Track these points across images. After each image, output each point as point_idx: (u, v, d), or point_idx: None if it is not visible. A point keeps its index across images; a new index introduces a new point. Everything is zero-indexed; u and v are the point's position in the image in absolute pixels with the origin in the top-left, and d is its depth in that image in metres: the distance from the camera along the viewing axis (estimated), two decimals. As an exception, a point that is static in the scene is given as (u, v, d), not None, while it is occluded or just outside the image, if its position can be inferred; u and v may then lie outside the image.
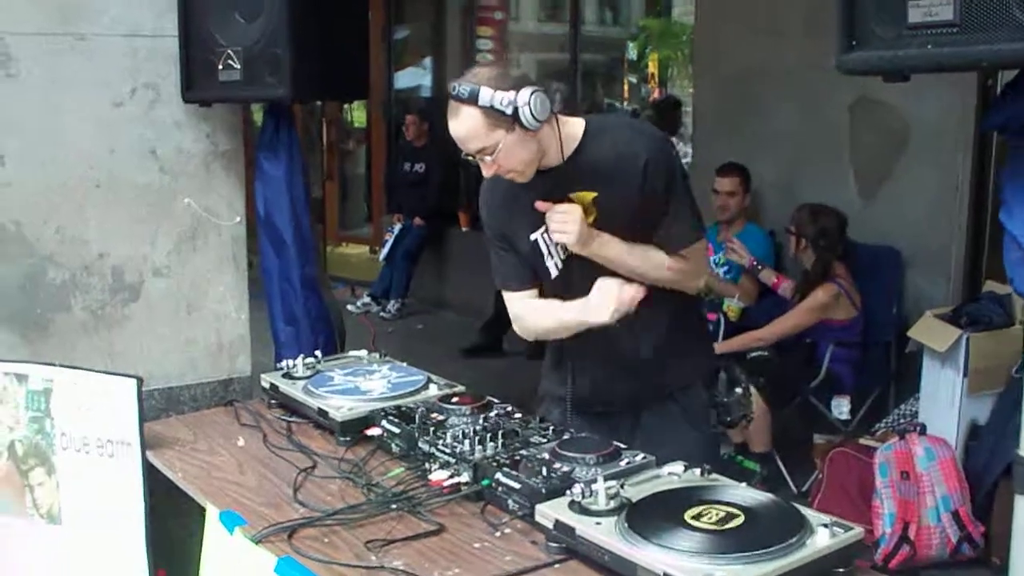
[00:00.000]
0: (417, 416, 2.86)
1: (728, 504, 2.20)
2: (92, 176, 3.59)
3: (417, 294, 9.71)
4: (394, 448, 2.83)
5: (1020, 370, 4.53)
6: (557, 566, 2.21)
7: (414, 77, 11.79)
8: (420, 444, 2.73)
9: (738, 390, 2.97)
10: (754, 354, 5.35)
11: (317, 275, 3.95)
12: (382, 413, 2.94)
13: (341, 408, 3.02)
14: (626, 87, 14.23)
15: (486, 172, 2.76)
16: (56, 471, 3.09)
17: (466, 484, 2.54)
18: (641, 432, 2.94)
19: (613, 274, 2.78)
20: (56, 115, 3.51)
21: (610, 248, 2.80)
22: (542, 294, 3.02)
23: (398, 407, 2.98)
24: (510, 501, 2.44)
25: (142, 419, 2.94)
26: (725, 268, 6.01)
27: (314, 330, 3.89)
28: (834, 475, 4.77)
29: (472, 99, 2.61)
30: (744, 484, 2.36)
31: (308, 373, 3.33)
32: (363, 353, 3.59)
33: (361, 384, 3.22)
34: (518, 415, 2.88)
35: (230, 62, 3.46)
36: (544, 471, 2.44)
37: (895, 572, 4.31)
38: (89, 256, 3.63)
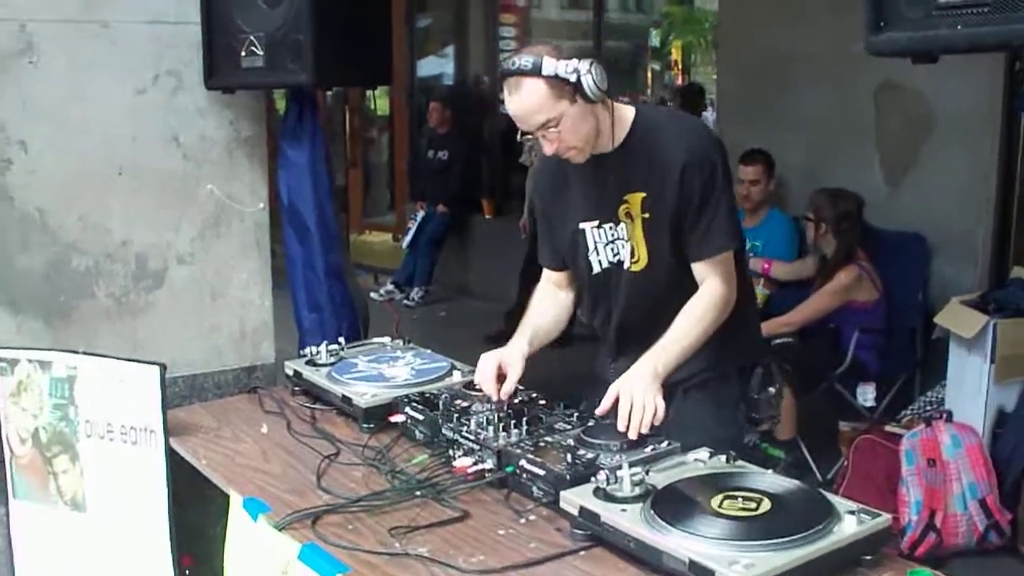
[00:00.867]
0: (441, 403, 2.85)
1: (754, 491, 2.18)
2: (115, 163, 3.61)
3: (440, 281, 9.71)
4: (418, 435, 2.83)
5: (1048, 357, 4.50)
6: (582, 553, 2.20)
7: (437, 64, 11.78)
8: (444, 431, 2.72)
9: (771, 389, 2.90)
10: (779, 340, 5.32)
11: (341, 262, 3.94)
12: (406, 400, 2.93)
13: (365, 395, 3.01)
14: (649, 74, 14.22)
15: (547, 149, 2.71)
16: (80, 458, 3.10)
17: (490, 471, 2.53)
18: (671, 418, 2.81)
19: (651, 293, 2.83)
20: (79, 102, 3.52)
21: (668, 359, 2.72)
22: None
23: (422, 394, 2.96)
24: (534, 488, 2.43)
25: (165, 406, 2.94)
26: (749, 255, 5.96)
27: (338, 317, 3.89)
28: (860, 462, 4.73)
29: (536, 70, 2.57)
30: (770, 471, 2.34)
31: (332, 360, 3.33)
32: (387, 340, 3.58)
33: (385, 371, 3.21)
34: (542, 401, 2.87)
35: (252, 48, 3.46)
36: (569, 458, 2.43)
37: (921, 560, 4.27)
38: (112, 243, 3.64)
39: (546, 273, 3.16)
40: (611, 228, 2.85)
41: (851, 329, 5.27)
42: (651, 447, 2.49)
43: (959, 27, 2.01)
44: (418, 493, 2.49)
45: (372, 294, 9.44)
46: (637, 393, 2.60)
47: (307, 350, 3.42)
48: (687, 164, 2.68)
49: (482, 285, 9.53)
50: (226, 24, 3.53)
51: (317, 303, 3.87)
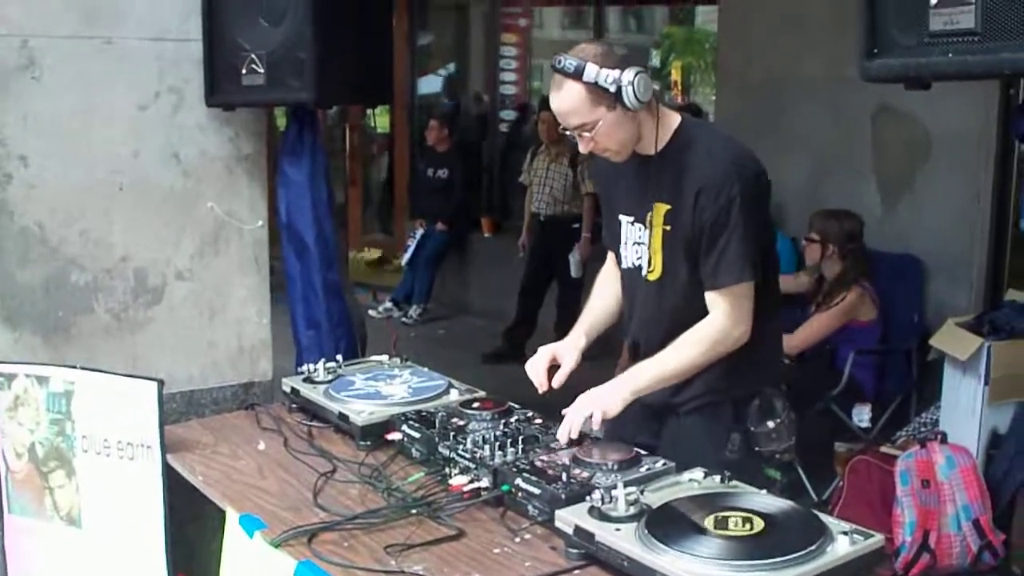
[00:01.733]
0: (437, 421, 2.86)
1: (748, 511, 2.20)
2: (116, 179, 3.62)
3: (439, 299, 9.71)
4: (414, 453, 2.84)
5: (1042, 379, 4.51)
6: (577, 572, 2.22)
7: (437, 83, 11.80)
8: (440, 449, 2.73)
9: (770, 423, 2.82)
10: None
11: (339, 280, 3.95)
12: (403, 418, 2.94)
13: (362, 412, 3.02)
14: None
15: (583, 148, 2.76)
16: (76, 474, 3.09)
17: (486, 489, 2.54)
18: (666, 438, 2.91)
19: (662, 305, 2.85)
20: (81, 118, 3.53)
21: (638, 383, 2.77)
22: None
23: (419, 412, 2.98)
24: (530, 507, 2.44)
25: (163, 422, 2.94)
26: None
27: (336, 334, 3.89)
28: (855, 483, 4.74)
29: (577, 74, 2.61)
30: (764, 491, 2.35)
31: (329, 377, 3.34)
32: (384, 358, 3.59)
33: (382, 389, 3.22)
34: (538, 421, 2.89)
35: (254, 66, 3.47)
36: (564, 477, 2.44)
37: (915, 581, 4.30)
38: (112, 259, 3.65)
39: (609, 257, 3.15)
40: (640, 230, 2.87)
41: (848, 349, 5.27)
42: (646, 467, 2.51)
43: (950, 54, 2.04)
44: (414, 511, 2.50)
45: (371, 311, 9.45)
46: (587, 403, 2.71)
47: (305, 367, 3.43)
48: (703, 189, 2.68)
49: (481, 303, 9.54)
50: (228, 41, 3.54)
51: (315, 320, 3.87)
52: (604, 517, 2.22)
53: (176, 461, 2.99)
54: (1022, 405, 4.58)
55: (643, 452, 2.59)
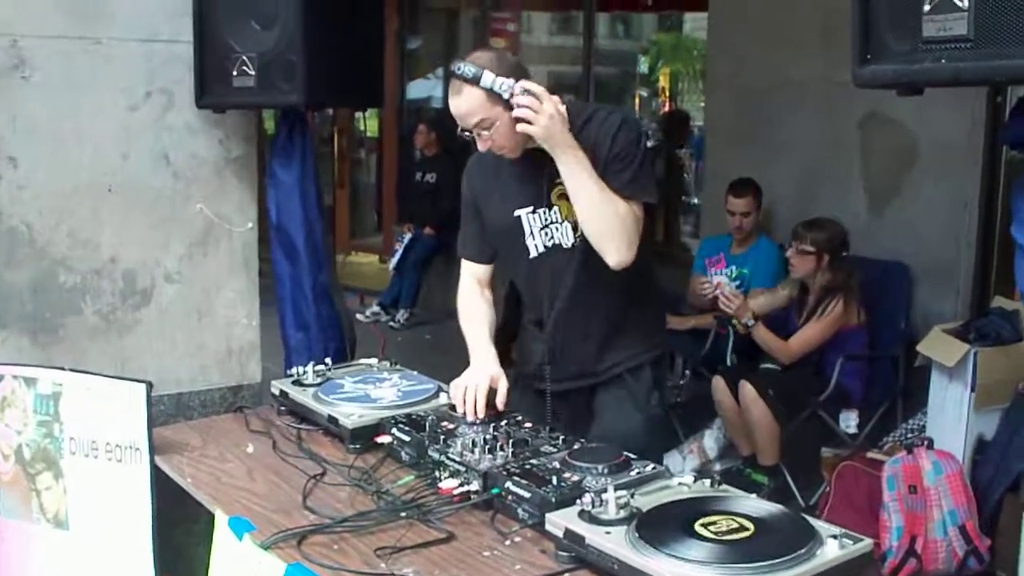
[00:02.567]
0: (427, 424, 2.86)
1: (738, 515, 2.20)
2: (105, 180, 3.61)
3: (426, 304, 9.69)
4: (404, 456, 2.84)
5: (1028, 386, 4.51)
6: (567, 575, 2.21)
7: (426, 87, 11.80)
8: (430, 452, 2.73)
9: (681, 381, 3.09)
10: (765, 366, 5.34)
11: (329, 282, 3.95)
12: (392, 421, 2.94)
13: (351, 415, 3.01)
14: (637, 101, 14.26)
15: (481, 146, 2.96)
16: (64, 476, 3.08)
17: (476, 493, 2.54)
18: (595, 410, 3.12)
19: (590, 268, 2.96)
20: (70, 119, 3.53)
21: (574, 157, 2.85)
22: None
23: (408, 415, 2.97)
24: (520, 510, 2.44)
25: (151, 424, 2.94)
26: (737, 283, 5.99)
27: (325, 337, 3.89)
28: (842, 488, 4.75)
29: (475, 80, 2.80)
30: (754, 495, 2.36)
31: (318, 380, 3.33)
32: (373, 361, 3.59)
33: (371, 392, 3.22)
34: (528, 424, 2.89)
35: (244, 68, 3.47)
36: (554, 480, 2.44)
37: (902, 586, 4.30)
38: (100, 260, 3.64)
39: (469, 270, 3.38)
40: (544, 212, 3.03)
41: (835, 355, 5.28)
42: (636, 470, 2.51)
43: (943, 61, 2.05)
44: (404, 514, 2.49)
45: (358, 315, 9.43)
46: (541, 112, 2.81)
47: (293, 370, 3.42)
48: (620, 128, 2.92)
49: (467, 308, 9.49)
50: (218, 44, 3.54)
51: (304, 322, 3.87)
52: (594, 520, 2.22)
53: (164, 463, 2.98)
54: (1007, 412, 4.59)
55: (633, 456, 2.59)
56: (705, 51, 8.36)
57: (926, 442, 4.45)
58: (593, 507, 2.23)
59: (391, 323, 9.44)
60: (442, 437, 2.78)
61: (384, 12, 4.03)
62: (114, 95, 3.59)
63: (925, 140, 5.68)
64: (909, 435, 4.96)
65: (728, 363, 5.54)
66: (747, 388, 5.13)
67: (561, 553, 2.25)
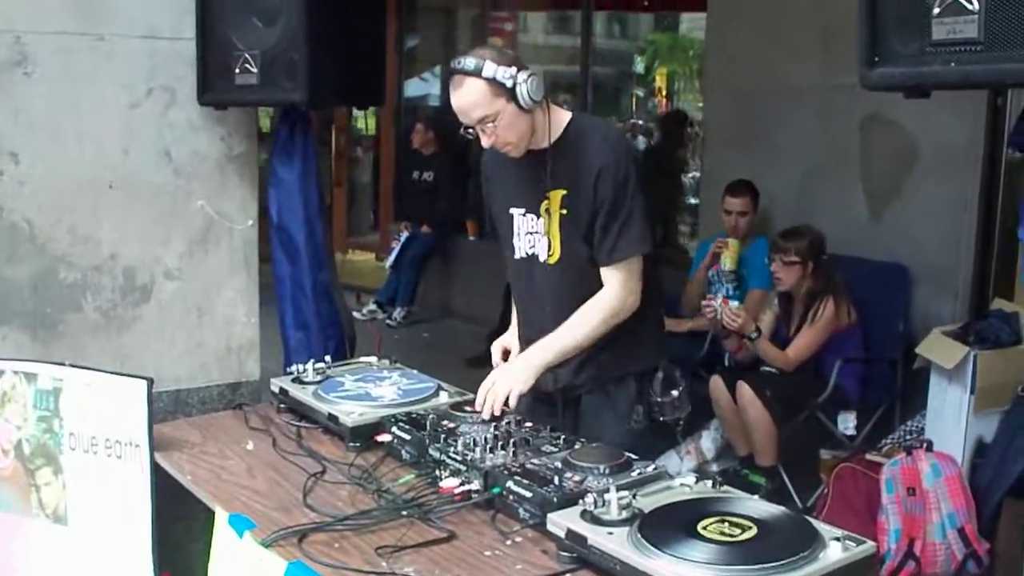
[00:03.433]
0: (428, 423, 2.86)
1: (740, 516, 2.20)
2: (106, 176, 3.61)
3: (423, 302, 9.70)
4: (404, 455, 2.83)
5: (1027, 388, 4.51)
6: (568, 575, 2.21)
7: (424, 86, 11.80)
8: (431, 451, 2.72)
9: (674, 392, 3.04)
10: (764, 368, 5.34)
11: (330, 280, 3.94)
12: (392, 419, 2.93)
13: (352, 414, 3.00)
14: (634, 100, 14.25)
15: (485, 142, 2.94)
16: (63, 471, 3.07)
17: (477, 492, 2.54)
18: (579, 418, 3.13)
19: (563, 287, 3.04)
20: (72, 115, 3.52)
21: (546, 355, 3.01)
22: None
23: (408, 414, 2.97)
24: (521, 510, 2.43)
25: (151, 421, 2.93)
26: (734, 284, 5.99)
27: (325, 335, 3.89)
28: (840, 490, 4.75)
29: (477, 71, 2.82)
30: (756, 496, 2.36)
31: (318, 378, 3.32)
32: (373, 359, 3.58)
33: (371, 390, 3.21)
34: (529, 424, 2.88)
35: (247, 66, 3.46)
36: (556, 480, 2.44)
37: (900, 588, 4.30)
38: (101, 257, 3.64)
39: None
40: (532, 220, 3.07)
41: (833, 358, 5.28)
42: (638, 471, 2.50)
43: (952, 64, 2.05)
44: (405, 513, 2.49)
45: (355, 313, 9.39)
46: (502, 381, 2.94)
47: (293, 368, 3.41)
48: (603, 168, 2.90)
49: (465, 307, 9.52)
50: (221, 41, 3.53)
51: (304, 321, 3.86)
52: (596, 521, 2.21)
53: (164, 460, 2.98)
54: (1007, 414, 4.59)
55: (634, 457, 2.59)
56: (703, 51, 8.36)
57: (925, 444, 4.45)
58: (595, 507, 2.23)
59: (388, 321, 9.43)
60: (443, 436, 2.77)
61: (386, 10, 4.02)
62: (116, 91, 3.59)
63: (925, 143, 5.68)
64: (908, 437, 4.96)
65: (726, 364, 5.55)
66: (744, 389, 5.13)
67: (563, 553, 2.24)
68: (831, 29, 5.57)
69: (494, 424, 2.85)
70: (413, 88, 11.68)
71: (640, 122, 12.86)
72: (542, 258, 3.07)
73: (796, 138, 6.28)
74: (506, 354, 3.23)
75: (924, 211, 5.72)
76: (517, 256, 3.15)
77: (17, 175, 3.46)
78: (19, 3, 3.40)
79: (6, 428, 3.15)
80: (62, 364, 3.10)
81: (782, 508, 2.27)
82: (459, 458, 2.64)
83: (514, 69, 2.83)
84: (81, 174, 3.56)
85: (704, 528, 2.14)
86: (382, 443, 2.90)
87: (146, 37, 3.60)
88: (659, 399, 3.02)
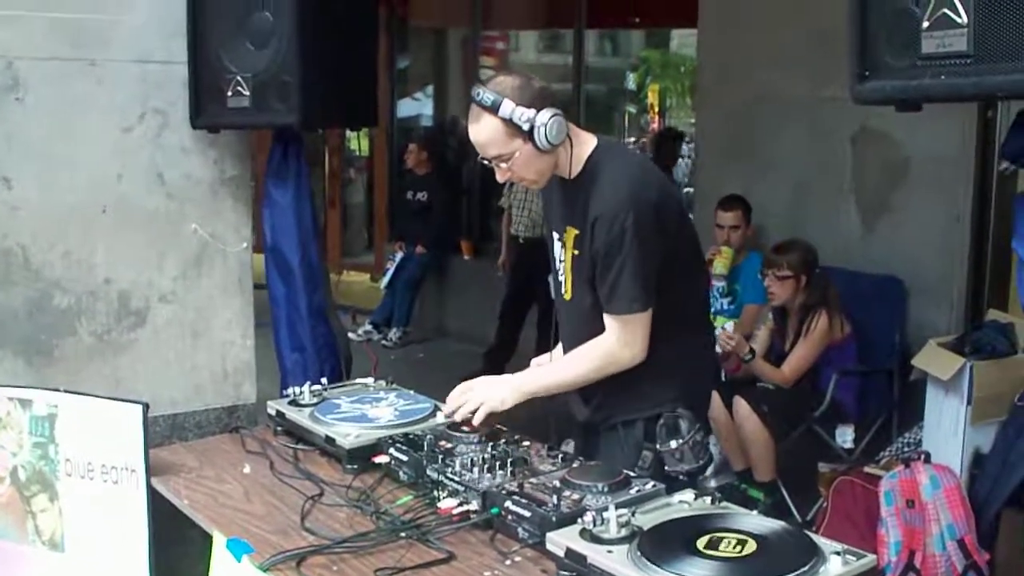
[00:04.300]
0: (425, 444, 2.85)
1: (740, 532, 2.19)
2: (100, 201, 3.60)
3: (418, 322, 9.69)
4: (402, 476, 2.82)
5: (1024, 398, 4.51)
6: (568, 594, 2.20)
7: (416, 106, 11.82)
8: (428, 472, 2.71)
9: (673, 443, 2.85)
10: (760, 383, 5.34)
11: (324, 302, 3.94)
12: (389, 441, 2.92)
13: (349, 435, 3.00)
14: (626, 118, 14.30)
15: (500, 177, 2.86)
16: (59, 497, 3.06)
17: (475, 512, 2.53)
18: (598, 455, 3.00)
19: (576, 325, 2.97)
20: (65, 139, 3.52)
21: (531, 386, 2.97)
22: None
23: (406, 435, 2.96)
24: (520, 529, 2.43)
25: (147, 445, 2.92)
26: (729, 299, 6.00)
27: (320, 357, 3.88)
28: (839, 504, 4.74)
29: (494, 108, 2.70)
30: (754, 512, 2.35)
31: (315, 400, 3.31)
32: (369, 380, 3.57)
33: (368, 411, 3.20)
34: (526, 443, 2.88)
35: (239, 88, 3.46)
36: (554, 499, 2.43)
37: (901, 601, 4.29)
38: (95, 281, 3.63)
39: None
40: (560, 248, 3.00)
41: (829, 371, 5.28)
42: (636, 488, 2.50)
43: (942, 77, 2.05)
44: (403, 534, 2.48)
45: (350, 334, 9.40)
46: (479, 392, 2.92)
47: (290, 390, 3.40)
48: (598, 218, 2.78)
49: (460, 326, 9.51)
50: (213, 64, 3.53)
51: (300, 343, 3.86)
52: (596, 539, 2.21)
53: (161, 485, 2.97)
54: (1004, 425, 4.59)
55: (632, 474, 2.58)
56: (694, 67, 8.37)
57: (923, 456, 4.44)
58: (594, 526, 2.23)
59: (384, 341, 9.43)
60: (440, 456, 2.77)
61: (378, 32, 4.03)
62: (108, 116, 3.58)
63: (917, 155, 5.70)
64: (905, 449, 4.96)
65: (723, 379, 5.55)
66: (741, 404, 5.13)
67: (562, 572, 2.23)
68: (822, 42, 5.57)
69: (491, 444, 2.84)
70: (406, 108, 11.70)
71: (632, 140, 12.89)
72: (562, 291, 3.02)
73: (788, 152, 6.30)
74: None
75: (917, 223, 5.73)
76: (557, 279, 3.08)
77: (10, 200, 3.45)
78: (11, 28, 3.40)
79: (1, 455, 3.14)
80: (57, 390, 3.10)
81: (781, 523, 2.26)
82: (456, 479, 2.64)
83: (533, 112, 2.70)
84: (74, 199, 3.56)
85: (704, 545, 2.14)
86: (379, 464, 2.89)
87: (138, 61, 3.59)
88: (660, 448, 2.86)
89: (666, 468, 2.86)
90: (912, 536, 4.29)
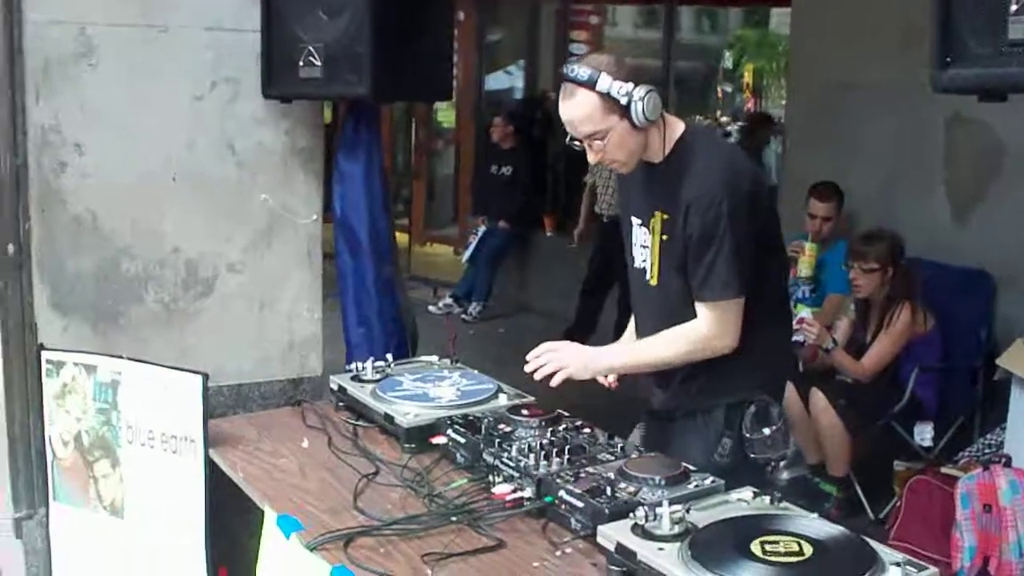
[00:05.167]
0: (483, 427, 2.81)
1: (797, 535, 2.12)
2: (170, 169, 3.58)
3: (499, 297, 9.67)
4: (459, 458, 2.79)
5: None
6: (617, 591, 2.15)
7: (506, 79, 11.78)
8: (485, 456, 2.68)
9: (766, 431, 2.81)
10: (838, 376, 5.23)
11: (392, 277, 3.91)
12: (448, 421, 2.90)
13: (408, 414, 2.97)
14: (720, 96, 14.16)
15: (592, 158, 2.80)
16: (120, 464, 3.09)
17: (529, 500, 2.49)
18: (658, 442, 2.96)
19: (660, 311, 2.91)
20: (136, 107, 3.51)
21: (617, 360, 2.95)
22: None
23: (465, 416, 2.93)
24: (573, 520, 2.38)
25: (207, 416, 2.93)
26: (811, 287, 5.88)
27: (386, 332, 3.85)
28: (914, 503, 4.63)
29: (591, 83, 2.65)
30: (815, 515, 2.26)
31: (377, 376, 3.30)
32: (434, 358, 3.55)
33: (430, 390, 3.18)
34: (587, 430, 2.83)
35: (311, 59, 3.42)
36: (609, 491, 2.37)
37: (974, 607, 4.18)
38: (164, 250, 3.63)
39: None
40: (645, 234, 2.91)
41: (910, 364, 5.17)
42: (695, 483, 2.43)
43: (1029, 65, 1.94)
44: (454, 519, 2.45)
45: (431, 307, 9.45)
46: (563, 355, 2.88)
47: (353, 365, 3.39)
48: (692, 203, 2.72)
49: (541, 302, 9.47)
50: (285, 33, 3.49)
51: (366, 317, 3.83)
52: (647, 535, 2.15)
53: (218, 456, 2.99)
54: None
55: (692, 468, 2.51)
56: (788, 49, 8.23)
57: (1004, 459, 4.32)
58: (647, 521, 2.17)
59: (464, 315, 9.43)
60: (497, 440, 2.73)
61: (454, 3, 3.97)
62: (180, 84, 3.56)
63: (1012, 143, 5.52)
64: (986, 451, 4.82)
65: (799, 370, 5.43)
66: (818, 396, 5.03)
67: (612, 567, 2.18)
68: (914, 27, 5.37)
69: (551, 430, 2.79)
70: (496, 82, 11.66)
71: (722, 120, 12.73)
72: (647, 276, 2.93)
73: (879, 138, 6.16)
74: None
75: (1010, 214, 5.55)
76: (632, 266, 3.02)
77: (82, 167, 3.45)
78: (82, -5, 3.40)
79: (66, 420, 3.17)
80: (120, 357, 3.11)
81: (841, 528, 2.17)
82: (512, 464, 2.60)
83: (631, 85, 2.64)
84: (144, 167, 3.54)
85: (757, 547, 2.06)
86: (437, 445, 2.87)
87: (210, 29, 3.56)
88: (749, 435, 2.82)
89: (753, 455, 2.82)
90: (988, 541, 4.18)
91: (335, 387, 3.33)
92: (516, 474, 2.56)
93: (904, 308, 5.13)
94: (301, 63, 3.44)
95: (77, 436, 3.16)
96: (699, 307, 2.79)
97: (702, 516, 2.24)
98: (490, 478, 2.61)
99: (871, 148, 6.19)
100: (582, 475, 2.50)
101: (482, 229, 9.59)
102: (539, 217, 9.72)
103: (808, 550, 2.05)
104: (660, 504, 2.19)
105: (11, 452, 3.41)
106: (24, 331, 3.41)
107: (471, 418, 2.90)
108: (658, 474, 2.44)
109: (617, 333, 3.31)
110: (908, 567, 1.97)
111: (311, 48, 3.41)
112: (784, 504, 2.32)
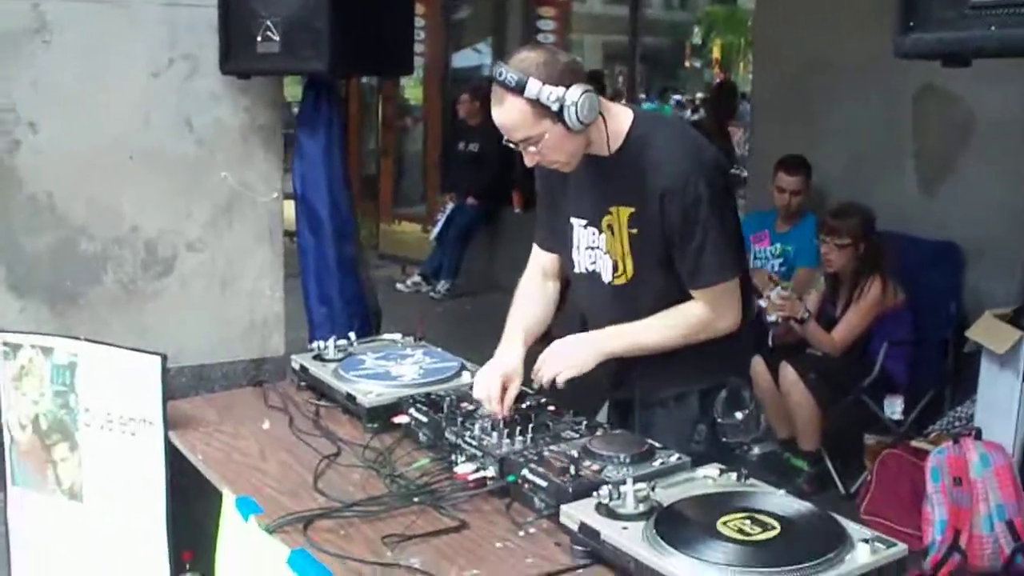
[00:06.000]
0: (446, 405, 2.76)
1: (764, 512, 2.08)
2: (127, 147, 3.55)
3: (467, 275, 9.62)
4: (421, 437, 2.74)
5: (1083, 375, 4.36)
6: (580, 571, 2.11)
7: (473, 57, 11.71)
8: (447, 435, 2.63)
9: (738, 415, 2.73)
10: (808, 350, 5.21)
11: (355, 255, 3.86)
12: (411, 400, 2.85)
13: (369, 393, 2.93)
14: (689, 71, 14.16)
15: (528, 160, 2.67)
16: (79, 447, 3.04)
17: (492, 479, 2.45)
18: (640, 430, 2.83)
19: (634, 307, 2.78)
20: (91, 84, 3.46)
21: (615, 343, 2.78)
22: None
23: (428, 394, 2.88)
24: (536, 499, 2.34)
25: (166, 398, 2.88)
26: (780, 260, 5.87)
27: (349, 311, 3.82)
28: (884, 477, 4.63)
29: (519, 89, 2.50)
30: (782, 491, 2.23)
31: (339, 356, 3.25)
32: (398, 336, 3.50)
33: (392, 369, 3.13)
34: (551, 407, 2.78)
35: (269, 34, 3.38)
36: (573, 469, 2.33)
37: (945, 581, 4.17)
38: (122, 228, 3.58)
39: (535, 255, 3.13)
40: (593, 234, 2.81)
41: (880, 338, 5.16)
42: (660, 461, 2.39)
43: (992, 28, 1.89)
44: (416, 499, 2.40)
45: (399, 285, 9.41)
46: (560, 357, 2.75)
47: (315, 344, 3.34)
48: (666, 191, 2.61)
49: (509, 280, 9.25)
50: (243, 8, 3.44)
51: (328, 296, 3.79)
52: (611, 514, 2.11)
53: (178, 438, 2.93)
54: (1062, 402, 4.45)
55: (657, 445, 2.47)
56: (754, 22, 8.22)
57: (974, 432, 4.31)
58: (610, 500, 2.13)
59: (432, 293, 9.40)
60: (460, 419, 2.68)
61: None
62: (136, 60, 3.51)
63: (981, 116, 5.50)
64: (956, 424, 4.82)
65: (768, 344, 5.41)
66: (788, 371, 5.02)
67: (576, 547, 2.14)
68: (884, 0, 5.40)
69: (514, 407, 2.74)
70: (463, 59, 11.59)
71: (685, 97, 12.73)
72: (605, 278, 2.81)
73: (847, 112, 6.13)
74: (504, 389, 2.76)
75: (979, 187, 5.54)
76: (577, 271, 2.90)
77: (36, 145, 3.40)
78: (37, -31, 3.34)
79: (24, 402, 3.12)
80: (77, 339, 3.05)
81: (808, 505, 2.14)
82: (475, 443, 2.55)
83: (562, 90, 2.49)
84: (101, 144, 3.49)
85: (724, 525, 2.02)
86: (400, 425, 2.82)
87: (167, 4, 3.51)
88: (721, 420, 2.74)
89: (725, 439, 2.75)
90: (958, 515, 4.17)
91: (297, 367, 3.28)
92: (479, 453, 2.51)
93: (874, 281, 5.12)
94: (259, 38, 3.40)
95: (35, 419, 3.11)
96: (696, 293, 2.71)
97: (668, 494, 2.20)
98: (453, 457, 2.56)
99: (838, 123, 6.17)
100: (545, 454, 2.45)
101: (450, 206, 9.54)
102: (508, 194, 9.66)
103: (776, 527, 2.01)
104: (624, 482, 2.15)
105: (-33, 436, 3.36)
106: (-20, 313, 3.36)
107: (434, 397, 2.85)
108: (623, 452, 2.39)
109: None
110: (876, 543, 1.93)
111: (269, 23, 3.37)
112: (751, 481, 2.29)
